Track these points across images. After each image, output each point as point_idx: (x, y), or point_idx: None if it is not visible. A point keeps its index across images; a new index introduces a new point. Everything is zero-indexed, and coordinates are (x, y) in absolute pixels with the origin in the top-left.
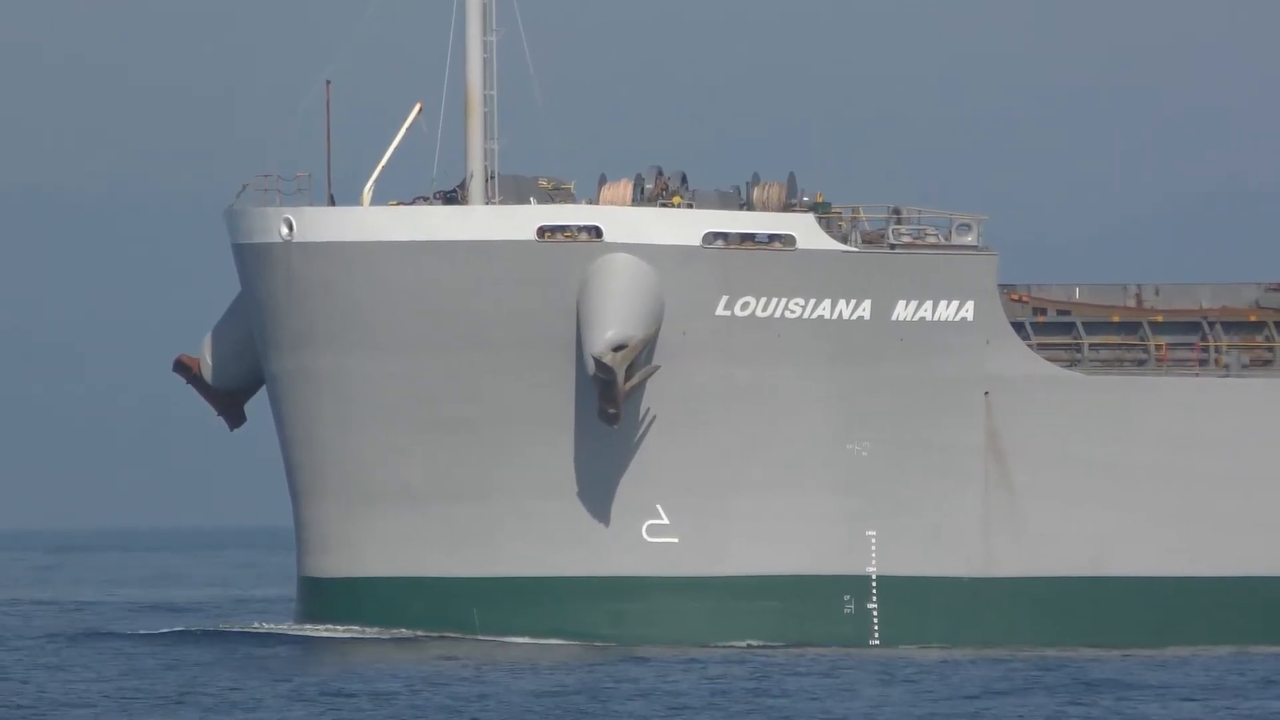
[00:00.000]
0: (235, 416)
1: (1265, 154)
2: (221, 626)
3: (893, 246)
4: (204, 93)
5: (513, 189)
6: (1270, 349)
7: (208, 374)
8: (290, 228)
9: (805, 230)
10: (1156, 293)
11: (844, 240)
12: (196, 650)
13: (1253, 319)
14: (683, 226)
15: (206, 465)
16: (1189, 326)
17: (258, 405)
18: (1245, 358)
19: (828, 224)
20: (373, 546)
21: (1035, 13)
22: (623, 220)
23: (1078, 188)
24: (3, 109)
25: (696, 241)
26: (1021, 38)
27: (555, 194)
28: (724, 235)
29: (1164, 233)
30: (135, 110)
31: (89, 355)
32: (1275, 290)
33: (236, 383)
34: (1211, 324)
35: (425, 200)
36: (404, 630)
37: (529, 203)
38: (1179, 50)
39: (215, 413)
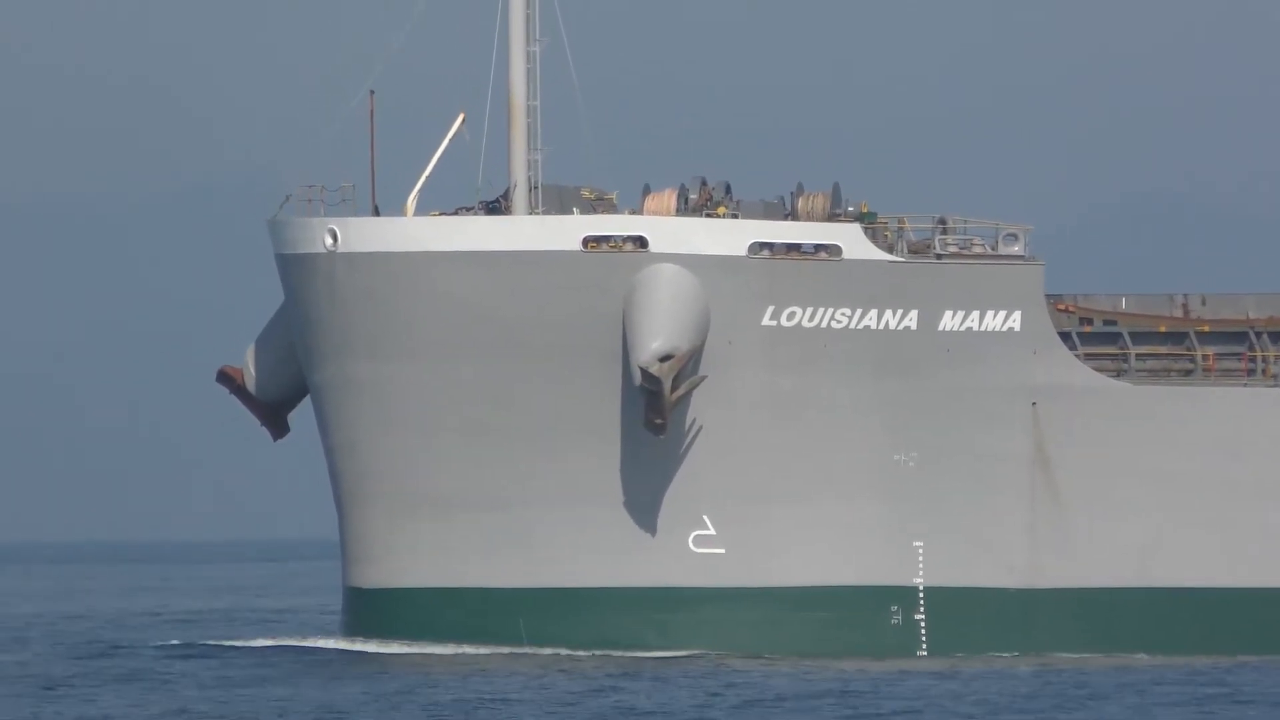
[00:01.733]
0: (279, 427)
1: None
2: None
3: (939, 256)
4: (245, 103)
5: (555, 199)
6: None
7: (251, 385)
8: (335, 238)
9: (851, 240)
10: (1203, 302)
11: (890, 250)
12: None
13: None
14: (728, 237)
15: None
16: (1236, 336)
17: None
18: None
19: (873, 234)
20: (418, 557)
21: (1089, 26)
22: (668, 230)
23: (1124, 196)
24: (43, 121)
25: (742, 252)
26: (1069, 50)
27: (598, 204)
28: (770, 245)
29: (1206, 243)
30: (180, 121)
31: (130, 369)
32: None
33: (280, 393)
34: (1259, 334)
35: (468, 210)
36: (452, 645)
37: (572, 213)
38: (1231, 59)
39: (259, 423)
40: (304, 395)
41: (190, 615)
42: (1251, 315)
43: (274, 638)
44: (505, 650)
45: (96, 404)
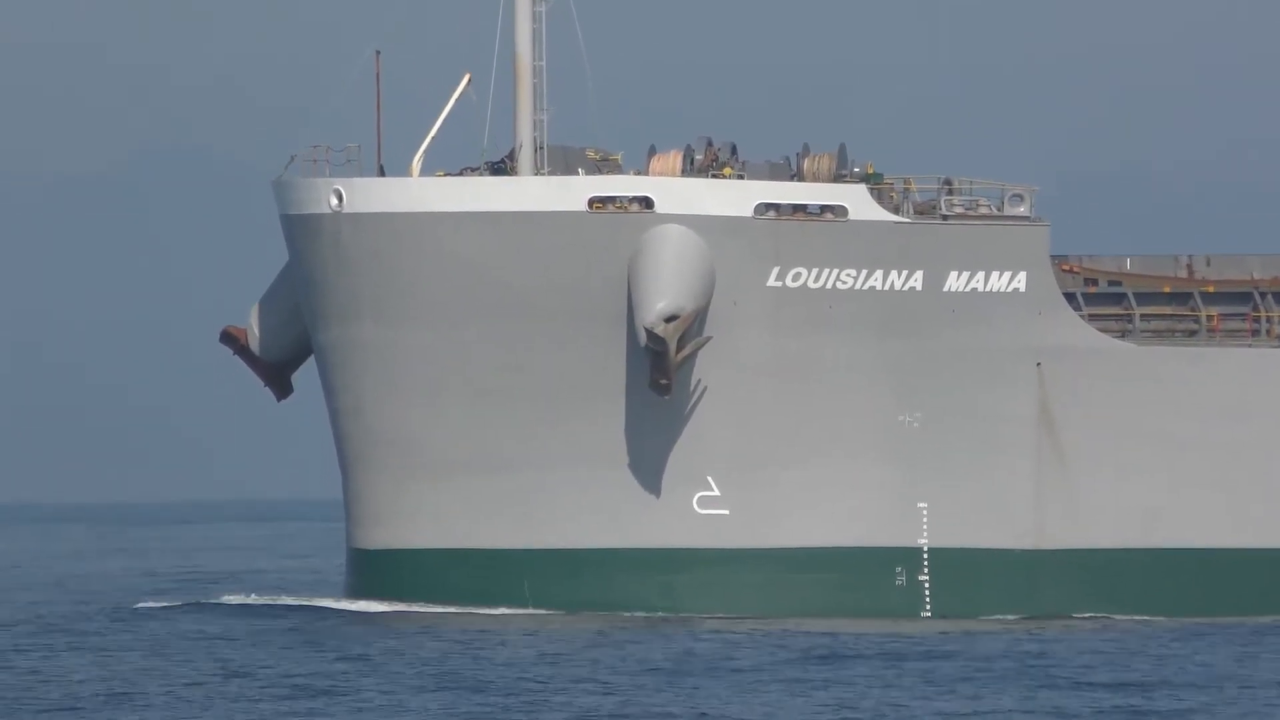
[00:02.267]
0: (282, 387)
1: None
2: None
3: (945, 217)
4: (251, 64)
5: (561, 160)
6: None
7: (255, 345)
8: (340, 199)
9: (857, 201)
10: (1208, 263)
11: (896, 211)
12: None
13: None
14: (734, 197)
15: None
16: (1240, 297)
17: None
18: None
19: (879, 195)
20: (422, 518)
21: None
22: (674, 191)
23: (1132, 160)
24: (52, 91)
25: (748, 213)
26: (1075, 16)
27: (603, 165)
28: (776, 206)
29: (1217, 204)
30: (186, 80)
31: (136, 333)
32: None
33: (284, 354)
34: (1263, 294)
35: (472, 171)
36: (456, 606)
37: (577, 173)
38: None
39: (262, 384)
40: (307, 356)
41: (186, 574)
42: (1256, 276)
43: (273, 596)
44: (510, 611)
45: (96, 365)
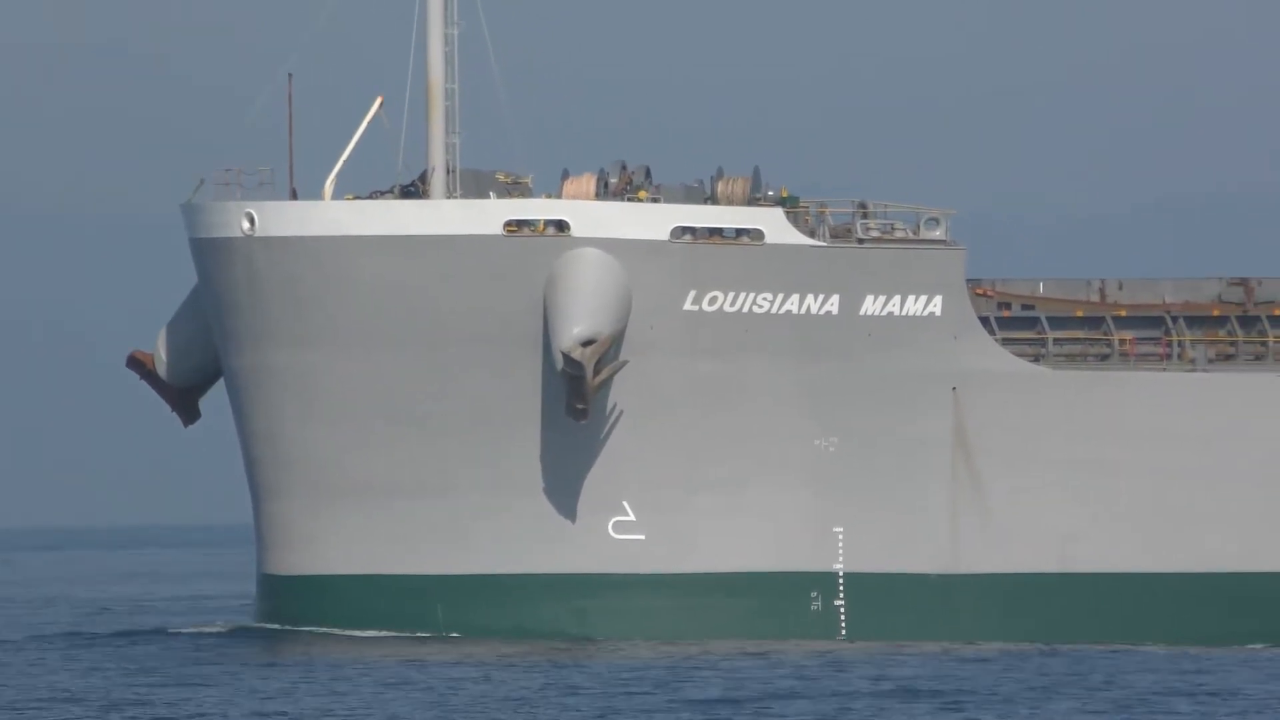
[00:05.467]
0: (189, 413)
1: (1216, 157)
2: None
3: (861, 241)
4: (162, 85)
5: (472, 183)
6: (1233, 343)
7: (162, 370)
8: (252, 222)
9: (773, 224)
10: (1120, 287)
11: (812, 235)
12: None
13: (1215, 314)
14: (650, 221)
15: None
16: (1152, 321)
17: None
18: (1211, 352)
19: (795, 218)
20: (335, 543)
21: (1005, 8)
22: (590, 215)
23: (1042, 182)
24: None
25: (664, 236)
26: (989, 32)
27: (513, 188)
28: (692, 230)
29: (1127, 228)
30: (86, 105)
31: (41, 352)
32: (1237, 285)
33: (192, 378)
34: (1175, 318)
35: (382, 194)
36: (370, 631)
37: (488, 196)
38: (1150, 51)
39: (169, 409)
40: (215, 380)
41: (97, 602)
42: (1168, 300)
43: (178, 625)
44: (422, 636)
45: (3, 391)
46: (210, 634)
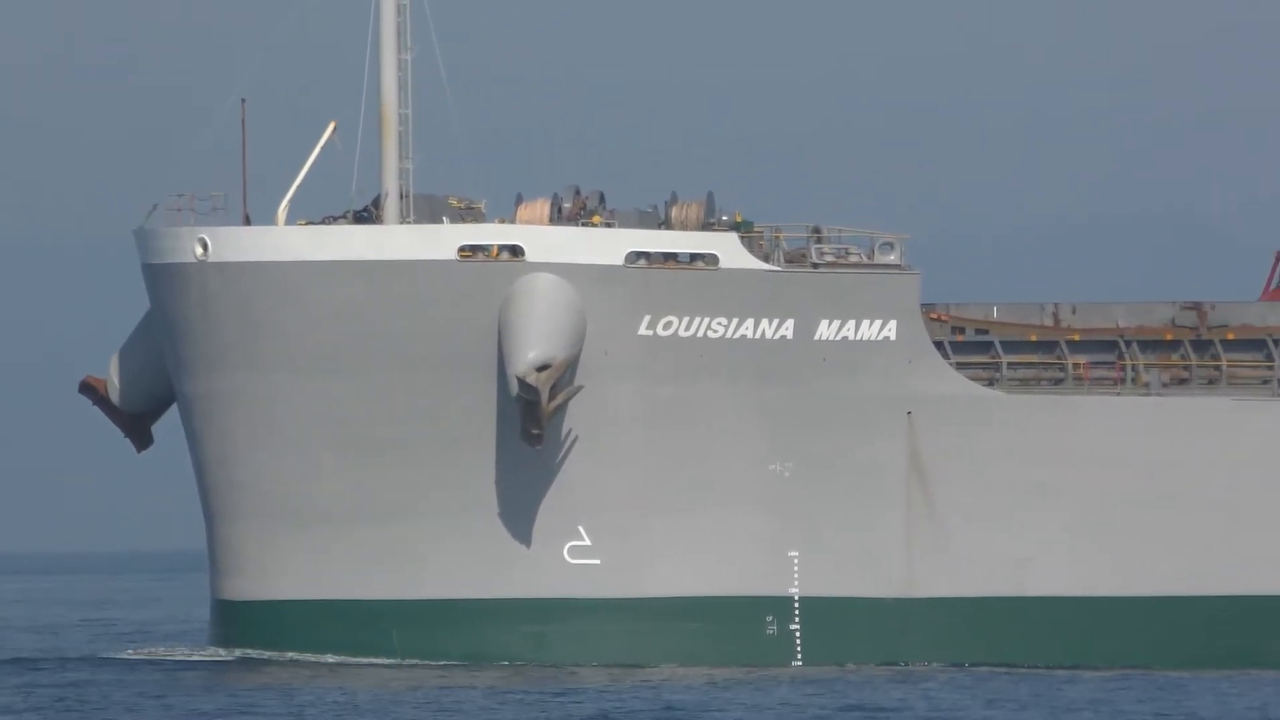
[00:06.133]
0: (142, 438)
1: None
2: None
3: (815, 266)
4: (116, 108)
5: (425, 208)
6: (1186, 368)
7: (115, 395)
8: (205, 248)
9: (728, 249)
10: (1073, 311)
11: (766, 259)
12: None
13: (1169, 338)
14: (605, 246)
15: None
16: (1106, 345)
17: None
18: (1165, 376)
19: (749, 243)
20: (290, 568)
21: (958, 31)
22: (544, 239)
23: (996, 204)
24: None
25: (619, 261)
26: (946, 55)
27: (467, 213)
28: (646, 255)
29: (1079, 251)
30: (35, 125)
31: None
32: (1190, 309)
33: (144, 404)
34: (1128, 343)
35: (334, 219)
36: (326, 656)
37: (441, 221)
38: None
39: (122, 434)
40: (168, 406)
41: (51, 627)
42: (1121, 324)
43: (134, 650)
44: (378, 662)
45: None
46: (162, 659)
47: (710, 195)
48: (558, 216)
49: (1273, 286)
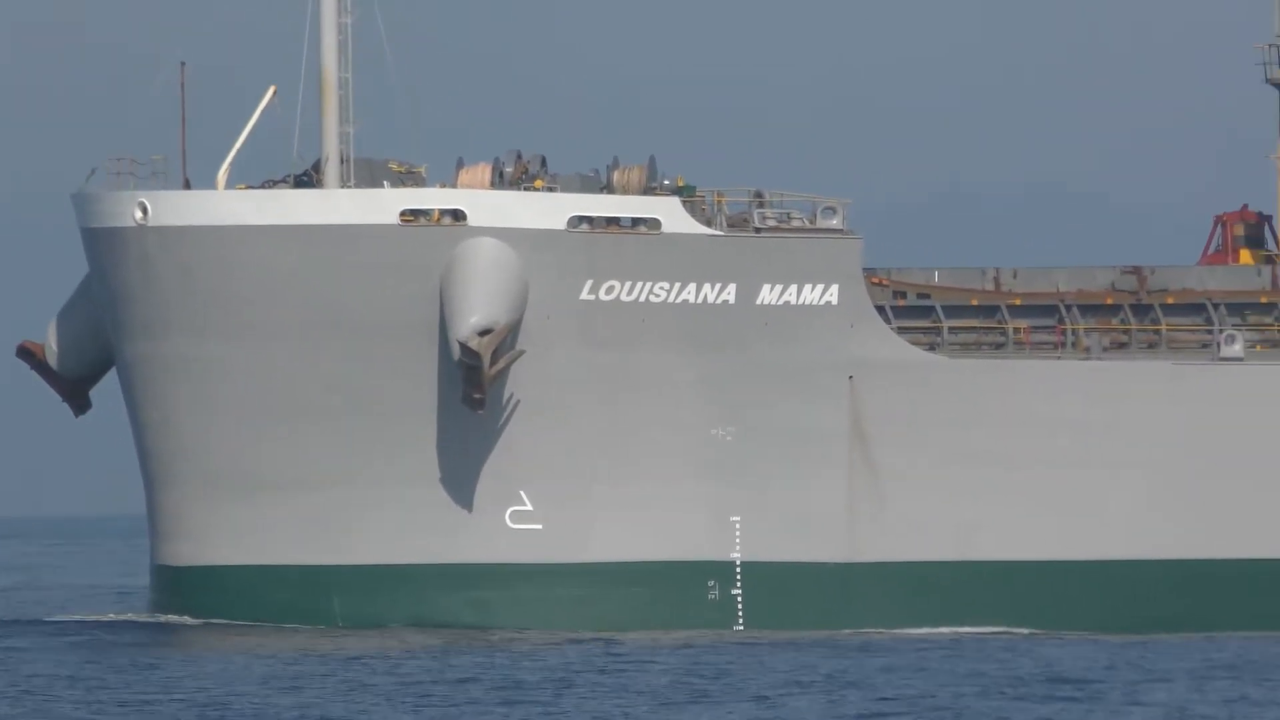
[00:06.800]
0: (81, 403)
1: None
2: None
3: (758, 230)
4: (56, 72)
5: (366, 172)
6: (1126, 332)
7: (53, 360)
8: (145, 211)
9: (670, 214)
10: (1015, 276)
11: (709, 224)
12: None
13: (1109, 302)
14: (547, 210)
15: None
16: (1046, 310)
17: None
18: (1105, 340)
19: (692, 207)
20: (229, 534)
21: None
22: (486, 204)
23: (940, 173)
24: None
25: (561, 225)
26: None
27: (407, 177)
28: (589, 219)
29: (1020, 217)
30: None
31: None
32: (1130, 273)
33: (83, 369)
34: (1069, 307)
35: (275, 184)
36: (267, 623)
37: (382, 186)
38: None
39: (61, 399)
40: (107, 370)
41: None
42: (1062, 288)
43: (72, 613)
44: (319, 628)
45: None
46: (99, 622)
47: (652, 159)
48: (499, 181)
49: (1211, 251)
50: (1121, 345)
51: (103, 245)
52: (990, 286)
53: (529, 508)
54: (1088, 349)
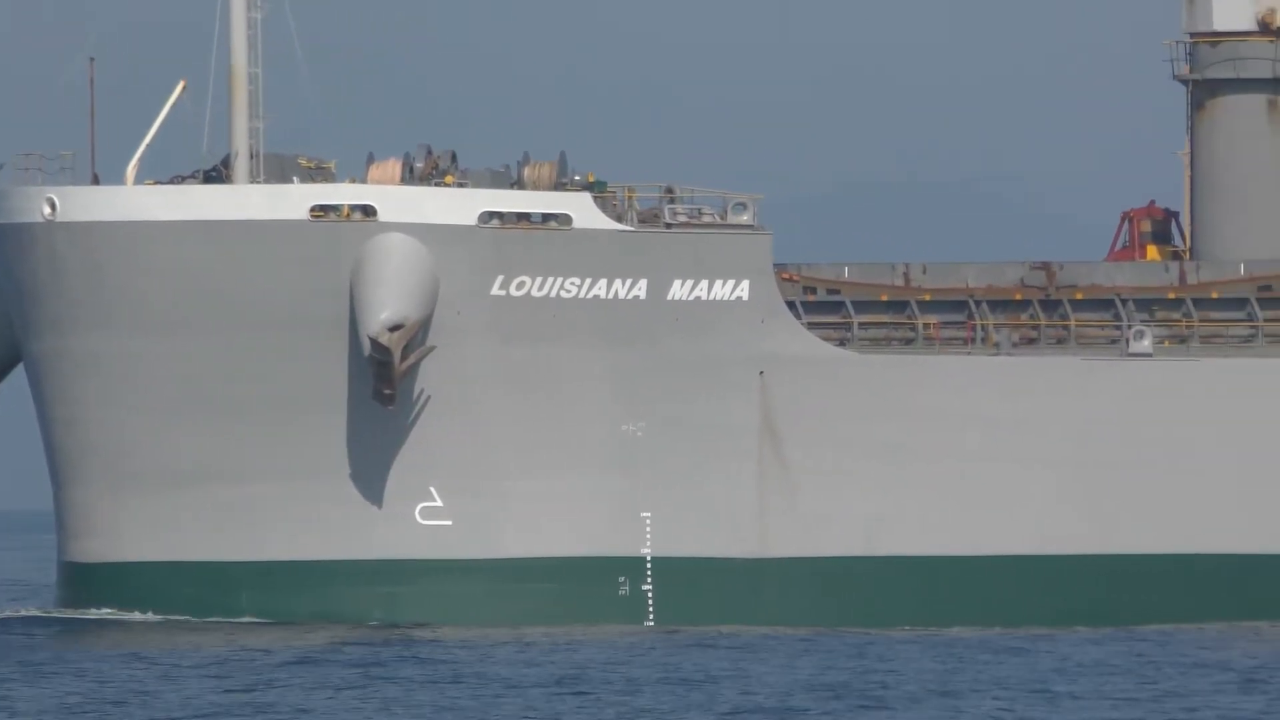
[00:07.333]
0: None
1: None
2: None
3: (668, 226)
4: None
5: (275, 167)
6: (1035, 327)
7: None
8: (53, 207)
9: (581, 209)
10: (924, 271)
11: (619, 220)
12: None
13: (1018, 298)
14: (458, 206)
15: None
16: (956, 305)
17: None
18: (1014, 336)
19: (603, 203)
20: (138, 530)
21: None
22: (397, 199)
23: (849, 168)
24: None
25: (472, 221)
26: (801, 17)
27: (317, 173)
28: (499, 214)
29: (932, 212)
30: None
31: None
32: (1039, 269)
33: None
34: (978, 303)
35: (183, 179)
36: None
37: (291, 181)
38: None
39: None
40: (14, 367)
41: None
42: (971, 284)
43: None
44: (226, 622)
45: None
46: (3, 619)
47: (563, 155)
48: (410, 176)
49: (1119, 247)
50: (1031, 341)
51: (10, 241)
52: (900, 282)
53: (439, 503)
54: (997, 344)
